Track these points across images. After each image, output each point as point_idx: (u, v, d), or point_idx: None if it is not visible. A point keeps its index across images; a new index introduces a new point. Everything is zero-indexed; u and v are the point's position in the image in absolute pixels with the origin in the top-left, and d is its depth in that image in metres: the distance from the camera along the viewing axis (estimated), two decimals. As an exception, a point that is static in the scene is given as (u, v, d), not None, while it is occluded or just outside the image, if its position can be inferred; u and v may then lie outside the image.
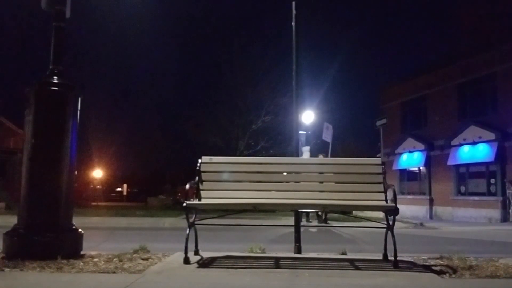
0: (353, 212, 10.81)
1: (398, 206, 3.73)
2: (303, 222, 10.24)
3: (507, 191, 17.89)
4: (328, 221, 11.36)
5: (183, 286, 3.05)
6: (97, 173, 39.59)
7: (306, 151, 12.46)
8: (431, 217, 21.48)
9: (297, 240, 4.62)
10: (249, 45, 25.44)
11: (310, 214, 11.20)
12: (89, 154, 33.78)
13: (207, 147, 24.08)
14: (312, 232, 9.51)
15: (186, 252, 3.71)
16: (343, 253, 4.51)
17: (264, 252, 4.54)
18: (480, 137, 18.81)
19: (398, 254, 3.62)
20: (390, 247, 3.77)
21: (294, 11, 5.15)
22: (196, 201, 4.07)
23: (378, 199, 4.07)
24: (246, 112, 26.06)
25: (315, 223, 11.71)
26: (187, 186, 3.98)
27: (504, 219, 17.81)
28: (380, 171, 4.17)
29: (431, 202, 22.11)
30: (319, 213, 11.19)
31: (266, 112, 25.36)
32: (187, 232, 3.77)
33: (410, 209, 21.95)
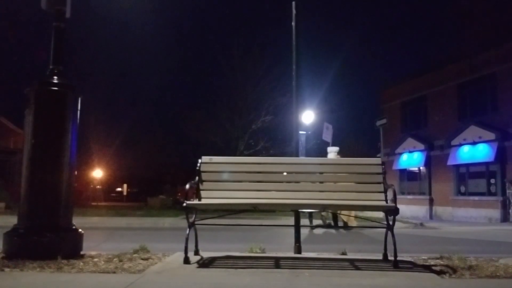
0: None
1: (398, 206, 3.73)
2: (305, 222, 10.05)
3: (507, 191, 17.89)
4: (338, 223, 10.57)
5: (183, 286, 3.05)
6: (97, 173, 39.58)
7: (332, 151, 10.68)
8: (431, 217, 21.48)
9: (297, 240, 4.62)
10: (249, 45, 25.49)
11: (313, 214, 10.91)
12: (89, 154, 33.80)
13: (207, 147, 24.10)
14: (316, 234, 9.43)
15: (186, 252, 3.71)
16: (343, 253, 4.51)
17: (264, 252, 4.54)
18: (480, 137, 18.80)
19: (398, 254, 3.62)
20: (390, 247, 3.77)
21: (294, 11, 5.15)
22: (196, 201, 4.07)
23: (378, 199, 4.07)
24: (246, 112, 26.06)
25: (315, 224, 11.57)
26: (187, 186, 3.98)
27: (504, 219, 17.81)
28: (380, 171, 4.18)
29: (431, 202, 22.10)
30: (326, 216, 10.66)
31: (266, 112, 25.36)
32: (187, 232, 3.77)
33: (410, 209, 21.94)
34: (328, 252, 4.75)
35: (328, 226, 10.04)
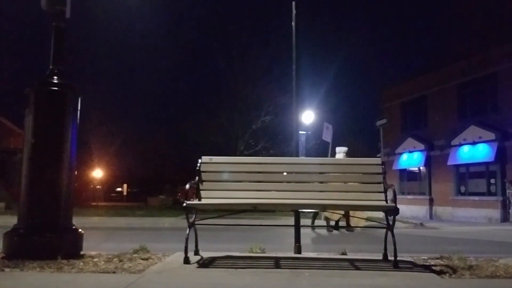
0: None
1: (398, 206, 3.73)
2: (305, 222, 9.87)
3: (507, 191, 17.89)
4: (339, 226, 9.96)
5: (183, 286, 3.05)
6: (97, 173, 39.60)
7: (341, 152, 10.33)
8: (431, 217, 21.48)
9: (297, 240, 4.62)
10: (249, 45, 25.52)
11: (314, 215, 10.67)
12: (89, 154, 33.82)
13: (207, 147, 24.10)
14: (318, 234, 9.35)
15: (186, 252, 3.71)
16: (343, 253, 4.51)
17: (264, 252, 4.54)
18: (480, 137, 18.80)
19: (398, 254, 3.62)
20: (390, 247, 3.77)
21: (294, 11, 5.15)
22: (196, 201, 4.07)
23: (378, 199, 4.07)
24: (246, 112, 26.08)
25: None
26: (187, 186, 3.98)
27: (504, 219, 17.81)
28: (380, 171, 4.17)
29: (431, 202, 22.10)
30: (330, 217, 10.32)
31: (266, 112, 25.39)
32: (187, 232, 3.77)
33: (410, 209, 21.95)
34: (328, 252, 4.76)
35: (332, 227, 9.87)
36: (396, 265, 3.59)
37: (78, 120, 4.26)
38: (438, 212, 21.54)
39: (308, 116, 17.92)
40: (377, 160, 4.42)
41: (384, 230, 3.99)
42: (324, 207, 4.87)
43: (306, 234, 8.92)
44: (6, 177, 22.55)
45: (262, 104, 25.50)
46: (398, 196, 4.01)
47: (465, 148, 19.71)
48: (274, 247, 5.20)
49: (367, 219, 6.91)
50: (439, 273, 3.51)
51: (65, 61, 4.33)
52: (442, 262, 4.03)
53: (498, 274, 3.49)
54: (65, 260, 3.65)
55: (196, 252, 4.09)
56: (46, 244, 3.80)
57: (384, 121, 16.68)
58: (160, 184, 44.63)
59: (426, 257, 4.33)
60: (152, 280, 3.13)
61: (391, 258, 3.74)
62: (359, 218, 9.07)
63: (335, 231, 9.70)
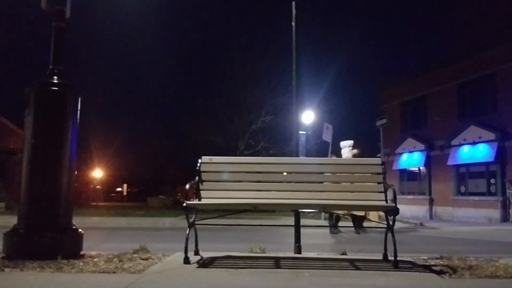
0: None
1: (398, 206, 3.73)
2: (304, 222, 9.59)
3: (507, 191, 17.88)
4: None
5: (183, 286, 3.05)
6: (97, 173, 39.62)
7: (346, 146, 9.85)
8: (431, 217, 21.48)
9: (297, 240, 4.62)
10: (249, 45, 25.47)
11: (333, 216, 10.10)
12: (89, 154, 33.85)
13: (207, 147, 24.07)
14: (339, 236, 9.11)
15: (186, 252, 3.71)
16: (343, 253, 4.52)
17: (264, 252, 4.54)
18: (480, 137, 18.80)
19: (398, 254, 3.62)
20: (390, 247, 3.77)
21: (294, 11, 5.15)
22: (196, 201, 4.07)
23: (378, 199, 4.07)
24: (246, 112, 26.03)
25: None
26: (187, 186, 3.98)
27: (504, 219, 17.81)
28: (380, 171, 4.17)
29: (431, 202, 22.10)
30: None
31: (266, 112, 25.32)
32: (187, 232, 3.77)
33: (410, 209, 21.94)
34: (328, 252, 4.76)
35: (355, 228, 9.48)
36: (396, 265, 3.59)
37: (78, 120, 4.26)
38: (438, 212, 21.54)
39: (308, 116, 17.89)
40: (377, 160, 4.42)
41: (384, 230, 3.99)
42: (324, 207, 4.87)
43: (306, 234, 8.89)
44: (6, 177, 22.54)
45: (262, 104, 25.45)
46: (398, 196, 4.01)
47: (465, 148, 19.71)
48: (274, 247, 5.21)
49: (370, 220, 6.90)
50: (439, 273, 3.51)
51: (65, 61, 4.33)
52: (442, 262, 4.03)
53: (498, 274, 3.49)
54: (65, 260, 3.65)
55: (196, 252, 4.09)
56: (46, 244, 3.80)
57: (384, 121, 16.65)
58: (160, 184, 44.66)
59: (426, 257, 4.33)
60: (152, 280, 3.13)
61: (391, 258, 3.74)
62: (373, 220, 8.91)
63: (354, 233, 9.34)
